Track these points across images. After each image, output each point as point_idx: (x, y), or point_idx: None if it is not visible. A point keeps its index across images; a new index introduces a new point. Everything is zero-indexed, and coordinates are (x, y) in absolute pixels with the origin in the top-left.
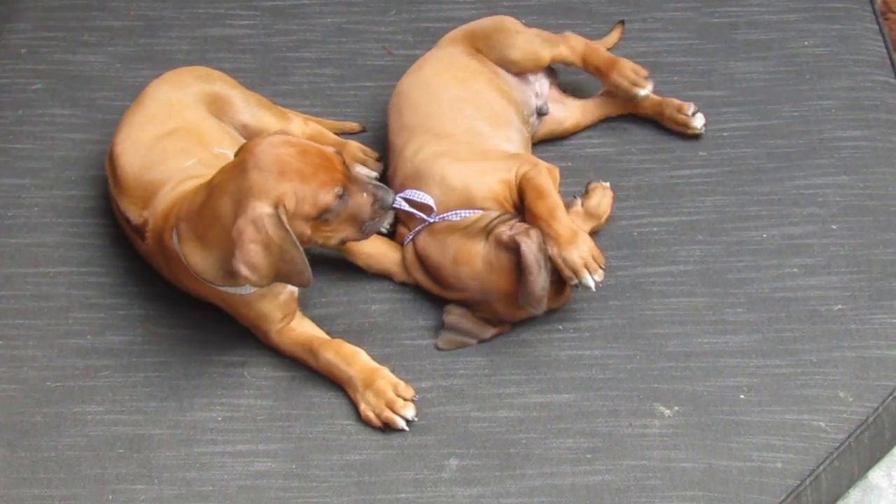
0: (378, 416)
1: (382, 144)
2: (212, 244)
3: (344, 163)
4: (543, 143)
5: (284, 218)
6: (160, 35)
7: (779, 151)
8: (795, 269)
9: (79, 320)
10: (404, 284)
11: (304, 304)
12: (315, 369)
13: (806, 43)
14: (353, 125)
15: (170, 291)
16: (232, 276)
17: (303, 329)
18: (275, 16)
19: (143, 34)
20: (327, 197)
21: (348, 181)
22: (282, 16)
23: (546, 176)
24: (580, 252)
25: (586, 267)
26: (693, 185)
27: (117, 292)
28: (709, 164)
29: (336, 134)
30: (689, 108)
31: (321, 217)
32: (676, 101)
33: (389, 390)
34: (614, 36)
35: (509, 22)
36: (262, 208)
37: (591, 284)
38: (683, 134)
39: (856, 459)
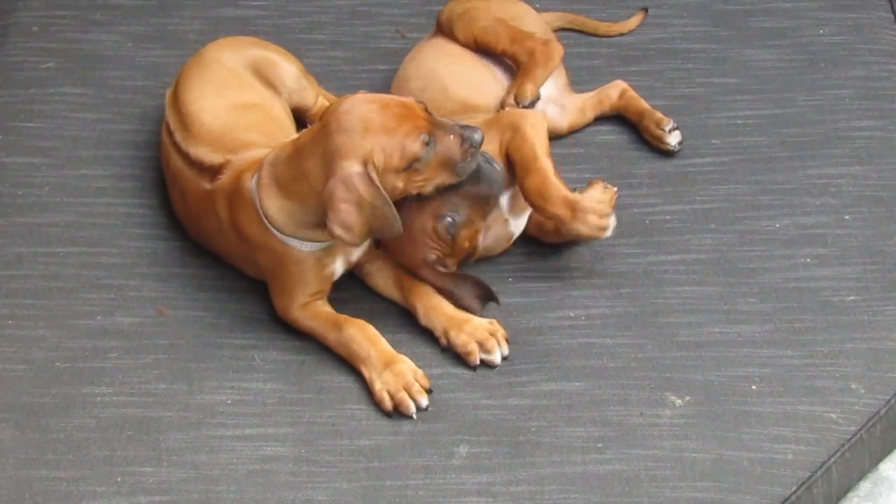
0: (392, 396)
1: None
2: (293, 196)
3: (426, 109)
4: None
5: (374, 175)
6: (173, 14)
7: (792, 140)
8: (808, 260)
9: (89, 301)
10: None
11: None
12: (330, 346)
13: (821, 31)
14: None
15: (181, 272)
16: (304, 227)
17: (325, 307)
18: None
19: (156, 13)
20: (414, 146)
21: (433, 126)
22: None
23: (529, 140)
24: (587, 223)
25: (600, 229)
26: (706, 174)
27: (127, 273)
28: (722, 153)
29: None
30: (668, 123)
31: (411, 167)
32: (658, 115)
33: (409, 374)
34: (633, 22)
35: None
36: (352, 167)
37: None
38: (658, 149)
39: (867, 452)
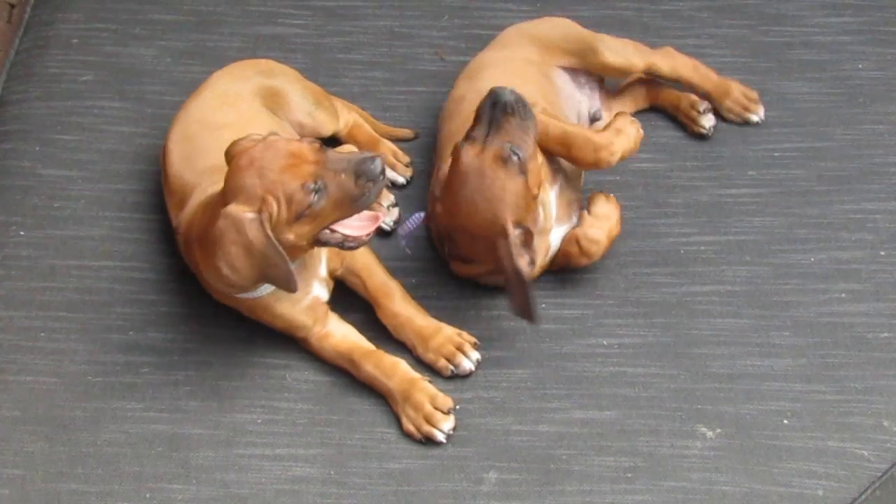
0: (418, 430)
1: (433, 150)
2: (212, 254)
3: (319, 149)
4: None
5: (267, 225)
6: (212, 31)
7: (829, 174)
8: (843, 295)
9: (121, 315)
10: (449, 294)
11: (348, 309)
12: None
13: (860, 66)
14: (407, 132)
15: None
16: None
17: (343, 336)
18: (327, 17)
19: (195, 29)
20: (300, 195)
21: (323, 170)
22: (334, 17)
23: (550, 123)
24: (627, 141)
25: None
26: (742, 205)
27: (161, 289)
28: (758, 185)
29: (390, 139)
30: (702, 104)
31: (303, 216)
32: (693, 97)
33: (427, 403)
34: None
35: (576, 26)
36: (244, 212)
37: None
38: (692, 132)
39: None
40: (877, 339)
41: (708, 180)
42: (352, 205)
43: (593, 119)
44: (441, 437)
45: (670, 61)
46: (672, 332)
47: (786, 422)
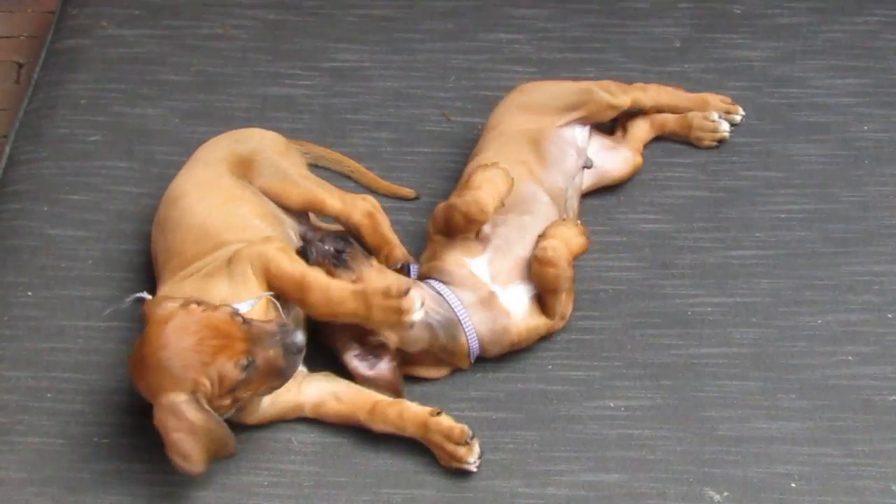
0: (449, 467)
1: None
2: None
3: (244, 321)
4: (597, 216)
5: (203, 400)
6: (220, 91)
7: (836, 236)
8: (850, 357)
9: (128, 377)
10: None
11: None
12: None
13: (865, 128)
14: (408, 192)
15: None
16: None
17: (336, 398)
18: (334, 77)
19: (203, 90)
20: (234, 373)
21: (252, 345)
22: (341, 78)
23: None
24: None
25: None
26: (748, 267)
27: None
28: (765, 246)
29: (390, 196)
30: (713, 113)
31: (234, 390)
32: (700, 112)
33: (445, 443)
34: None
35: (554, 83)
36: (178, 397)
37: None
38: (711, 142)
39: None
40: (884, 402)
41: (715, 242)
42: (279, 375)
43: (586, 166)
44: (472, 468)
45: (645, 92)
46: (679, 395)
47: (793, 485)
